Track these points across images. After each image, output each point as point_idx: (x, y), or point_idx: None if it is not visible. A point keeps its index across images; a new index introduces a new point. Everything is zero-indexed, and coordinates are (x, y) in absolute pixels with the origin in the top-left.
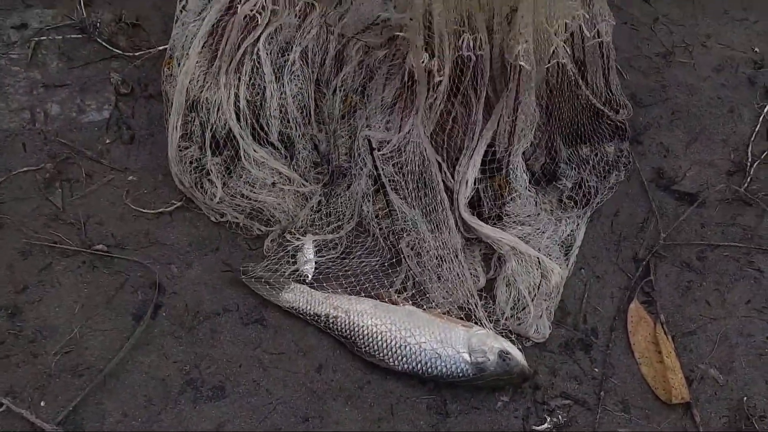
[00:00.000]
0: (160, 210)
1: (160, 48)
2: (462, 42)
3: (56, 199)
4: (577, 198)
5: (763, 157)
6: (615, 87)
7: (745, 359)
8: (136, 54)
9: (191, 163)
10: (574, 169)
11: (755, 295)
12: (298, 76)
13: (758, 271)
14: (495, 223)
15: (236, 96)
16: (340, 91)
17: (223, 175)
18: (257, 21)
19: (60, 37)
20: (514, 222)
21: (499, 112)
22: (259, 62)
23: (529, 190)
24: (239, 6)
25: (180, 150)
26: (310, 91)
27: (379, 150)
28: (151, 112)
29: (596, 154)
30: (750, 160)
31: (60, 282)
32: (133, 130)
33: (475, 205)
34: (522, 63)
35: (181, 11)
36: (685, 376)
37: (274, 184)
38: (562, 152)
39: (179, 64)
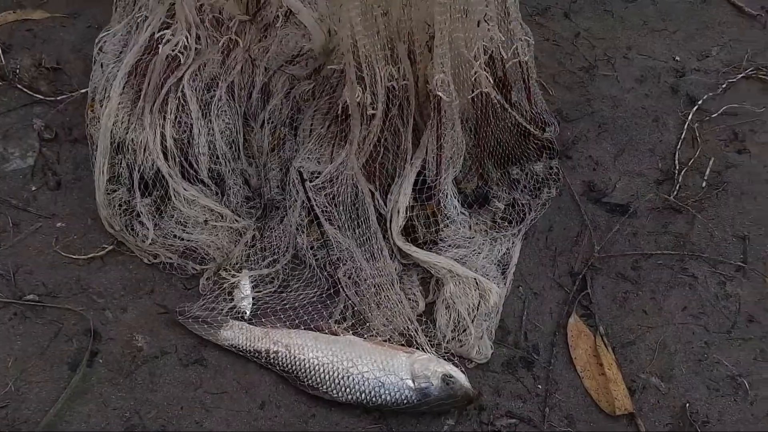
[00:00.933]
0: (91, 255)
1: (83, 91)
2: (384, 73)
3: None
4: (510, 218)
5: (690, 164)
6: (539, 105)
7: (684, 366)
8: (59, 98)
9: (120, 206)
10: (505, 191)
11: (690, 302)
12: (225, 111)
13: (692, 277)
14: (431, 248)
15: (162, 135)
16: (269, 123)
17: (154, 216)
18: (179, 60)
19: None
20: (450, 246)
21: (426, 142)
22: (184, 100)
23: (462, 213)
24: (160, 46)
25: (108, 193)
26: (238, 126)
27: (310, 181)
28: (77, 157)
29: (526, 174)
30: (677, 167)
31: None
32: (59, 175)
33: (410, 231)
34: (440, 93)
35: (98, 53)
36: (628, 386)
37: (206, 221)
38: (493, 175)
39: (102, 107)
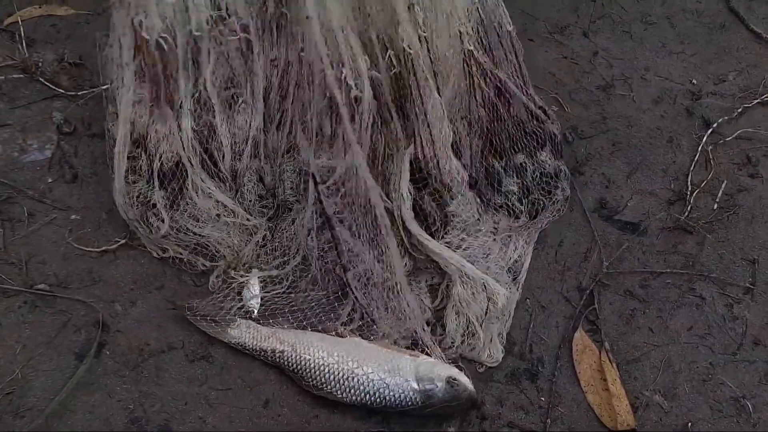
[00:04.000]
0: (104, 248)
1: (104, 87)
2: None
3: None
4: (524, 208)
5: (702, 186)
6: (531, 88)
7: (688, 385)
8: (79, 93)
9: (137, 196)
10: (514, 176)
11: (697, 322)
12: (246, 108)
13: (700, 297)
14: (443, 236)
15: (182, 127)
16: (283, 126)
17: (168, 209)
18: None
19: (2, 77)
20: (458, 228)
21: (412, 115)
22: (207, 94)
23: (471, 192)
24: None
25: (127, 182)
26: (259, 124)
27: (324, 183)
28: (95, 152)
29: (532, 163)
30: (690, 189)
31: (0, 323)
32: (76, 169)
33: (422, 219)
34: (405, 46)
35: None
36: (631, 403)
37: (219, 216)
38: (497, 165)
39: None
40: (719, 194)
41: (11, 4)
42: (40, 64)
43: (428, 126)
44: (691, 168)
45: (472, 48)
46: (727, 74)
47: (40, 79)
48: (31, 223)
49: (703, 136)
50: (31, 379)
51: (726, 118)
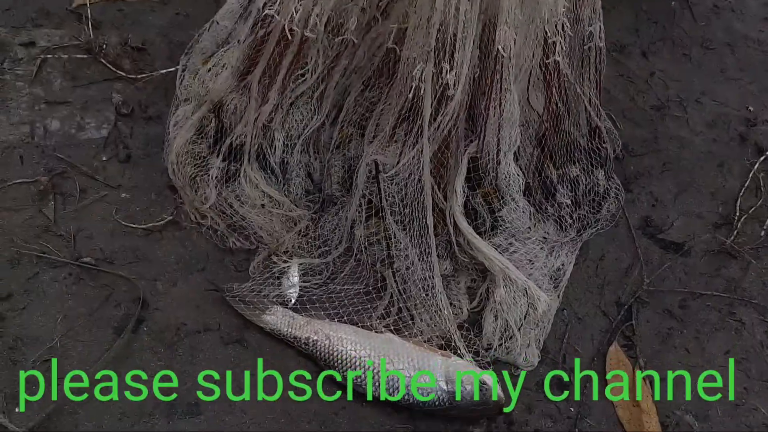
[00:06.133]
0: (150, 224)
1: (163, 71)
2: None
3: (48, 212)
4: (573, 219)
5: (750, 212)
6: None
7: (721, 408)
8: (139, 77)
9: (195, 158)
10: (568, 188)
11: (734, 346)
12: (307, 104)
13: (739, 322)
14: (490, 239)
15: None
16: (338, 123)
17: (221, 182)
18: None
19: (66, 56)
20: (508, 233)
21: (483, 113)
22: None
23: (525, 200)
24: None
25: (189, 143)
26: (316, 120)
27: (385, 173)
28: (149, 134)
29: (586, 177)
30: (738, 214)
31: (45, 292)
32: (130, 149)
33: (472, 219)
34: (500, 47)
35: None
36: (661, 421)
37: (263, 206)
38: (552, 176)
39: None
40: None
41: None
42: (104, 46)
43: (499, 128)
44: (741, 193)
45: (559, 59)
46: None
47: (103, 60)
48: (82, 199)
49: (756, 162)
50: (69, 349)
51: None
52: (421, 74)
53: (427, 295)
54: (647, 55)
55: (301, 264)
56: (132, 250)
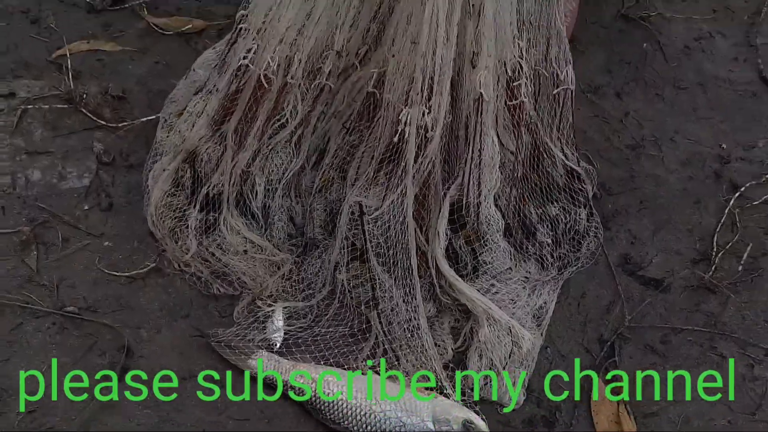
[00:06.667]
0: (133, 272)
1: (143, 120)
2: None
3: (31, 261)
4: (554, 257)
5: (727, 247)
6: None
7: None
8: (120, 125)
9: (174, 210)
10: (548, 227)
11: (716, 380)
12: (286, 148)
13: (720, 356)
14: (472, 282)
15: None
16: (319, 167)
17: (200, 233)
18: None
19: (46, 106)
20: (489, 274)
21: (463, 156)
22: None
23: (505, 240)
24: (250, 65)
25: (167, 196)
26: (295, 164)
27: (369, 215)
28: (131, 182)
29: (565, 216)
30: (715, 249)
31: (29, 342)
32: (112, 198)
33: (452, 260)
34: (482, 91)
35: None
36: None
37: (245, 251)
38: (532, 215)
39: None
40: (744, 256)
41: (61, 38)
42: (84, 96)
43: (479, 169)
44: (717, 229)
45: (525, 100)
46: (757, 141)
47: (83, 110)
48: (65, 248)
49: (731, 198)
50: (53, 401)
51: (754, 182)
52: (407, 118)
53: (412, 335)
54: (621, 96)
55: (285, 308)
56: (116, 298)
